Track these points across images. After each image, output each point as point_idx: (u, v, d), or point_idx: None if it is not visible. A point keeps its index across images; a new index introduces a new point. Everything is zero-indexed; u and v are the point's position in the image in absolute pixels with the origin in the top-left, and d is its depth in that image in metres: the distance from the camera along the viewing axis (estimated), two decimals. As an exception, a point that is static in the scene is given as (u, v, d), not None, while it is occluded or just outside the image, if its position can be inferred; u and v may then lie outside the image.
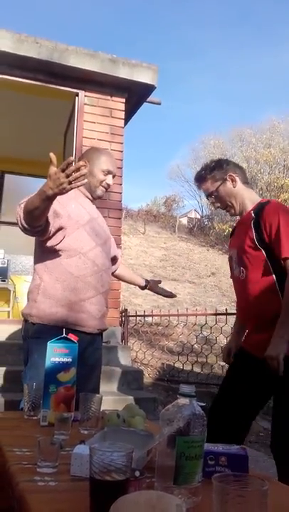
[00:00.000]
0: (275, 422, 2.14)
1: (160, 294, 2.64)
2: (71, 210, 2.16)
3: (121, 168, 5.02)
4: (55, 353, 1.74)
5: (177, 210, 25.22)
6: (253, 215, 2.24)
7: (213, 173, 2.33)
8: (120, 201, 5.00)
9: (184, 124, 67.55)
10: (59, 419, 1.48)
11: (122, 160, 5.03)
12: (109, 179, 2.32)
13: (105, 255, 2.28)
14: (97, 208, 2.40)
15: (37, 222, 1.95)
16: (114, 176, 2.35)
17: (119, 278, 2.71)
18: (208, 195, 2.37)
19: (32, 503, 0.96)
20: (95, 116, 4.99)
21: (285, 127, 25.40)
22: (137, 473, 0.98)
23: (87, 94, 5.02)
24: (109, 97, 5.09)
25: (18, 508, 1.01)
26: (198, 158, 27.79)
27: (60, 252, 2.13)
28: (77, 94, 5.01)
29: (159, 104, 5.80)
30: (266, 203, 2.24)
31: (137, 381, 4.33)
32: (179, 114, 66.61)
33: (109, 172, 2.31)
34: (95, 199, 2.35)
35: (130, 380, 4.34)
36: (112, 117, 5.04)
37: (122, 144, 5.05)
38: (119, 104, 5.13)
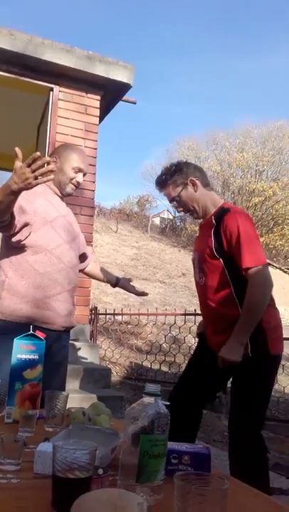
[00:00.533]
0: (230, 415, 2.21)
1: (131, 292, 2.64)
2: (38, 206, 2.13)
3: (94, 165, 5.00)
4: (21, 350, 1.72)
5: (150, 209, 25.29)
6: (213, 221, 2.26)
7: (173, 177, 2.33)
8: (93, 199, 4.98)
9: (159, 125, 67.79)
10: (24, 417, 1.47)
11: (95, 157, 5.02)
12: (79, 177, 2.29)
13: (73, 253, 2.26)
14: (69, 204, 2.39)
15: (1, 217, 1.92)
16: (84, 175, 2.33)
17: (90, 275, 2.69)
18: (171, 200, 2.38)
19: (-7, 500, 0.95)
20: (69, 112, 4.96)
21: (258, 133, 25.84)
22: (100, 471, 0.98)
23: (62, 89, 4.99)
24: (84, 94, 5.07)
25: (-21, 506, 1.00)
26: (172, 159, 27.71)
27: (25, 249, 2.11)
28: (51, 89, 4.97)
29: (135, 103, 5.81)
30: (226, 211, 2.24)
31: (105, 379, 4.32)
32: (154, 115, 66.84)
33: (79, 170, 2.28)
34: (64, 196, 2.33)
35: (98, 378, 4.33)
36: (87, 114, 5.02)
37: (96, 141, 5.04)
38: (94, 101, 5.11)
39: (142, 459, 0.99)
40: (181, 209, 2.37)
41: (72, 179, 2.28)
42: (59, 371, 2.23)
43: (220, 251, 2.17)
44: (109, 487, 0.98)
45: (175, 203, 2.36)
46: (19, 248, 2.11)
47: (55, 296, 2.15)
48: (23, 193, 1.89)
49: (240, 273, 2.14)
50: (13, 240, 2.07)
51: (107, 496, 0.83)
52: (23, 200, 1.96)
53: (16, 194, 1.84)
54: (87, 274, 2.64)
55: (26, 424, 1.45)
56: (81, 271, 2.51)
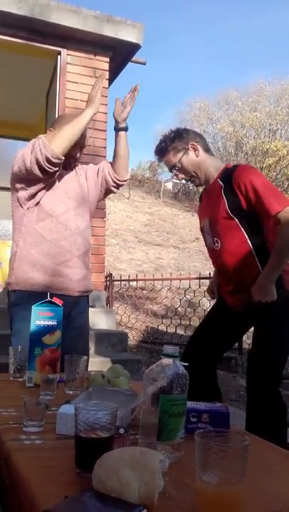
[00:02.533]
0: (249, 362, 2.24)
1: (127, 103, 2.33)
2: None
3: (105, 130, 4.92)
4: (39, 316, 1.75)
5: (162, 174, 24.97)
6: (220, 182, 2.22)
7: (174, 144, 2.28)
8: (104, 164, 4.93)
9: (169, 86, 66.36)
10: (44, 380, 1.50)
11: (106, 122, 4.93)
12: (75, 152, 2.19)
13: (80, 218, 2.22)
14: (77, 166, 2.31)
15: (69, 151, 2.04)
16: (82, 148, 2.24)
17: (120, 164, 2.34)
18: (171, 168, 2.32)
19: (18, 461, 0.99)
20: (78, 76, 4.86)
21: (271, 90, 25.06)
22: (122, 431, 1.00)
23: (70, 52, 4.87)
24: (92, 56, 4.95)
25: (5, 467, 1.03)
26: (183, 121, 27.33)
27: (33, 215, 2.11)
28: (59, 53, 4.85)
29: (144, 64, 5.66)
30: (233, 169, 2.21)
31: (122, 343, 4.39)
32: (164, 75, 65.25)
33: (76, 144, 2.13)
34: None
35: (115, 342, 4.40)
36: (96, 77, 4.87)
37: (106, 105, 4.93)
38: (103, 63, 4.99)
39: (162, 418, 1.01)
40: (182, 176, 2.32)
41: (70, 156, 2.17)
42: (81, 336, 2.25)
43: (236, 210, 2.14)
44: (131, 446, 1.00)
45: (176, 170, 2.30)
46: (27, 216, 2.12)
47: (65, 263, 2.15)
48: None
49: (259, 230, 2.14)
50: (28, 203, 2.10)
51: (129, 455, 0.85)
52: None
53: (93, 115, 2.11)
54: (118, 168, 2.34)
55: (47, 387, 1.49)
56: (120, 181, 2.37)
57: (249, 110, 24.32)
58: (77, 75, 4.86)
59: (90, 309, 4.61)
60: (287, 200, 2.11)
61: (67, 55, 4.86)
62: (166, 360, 1.05)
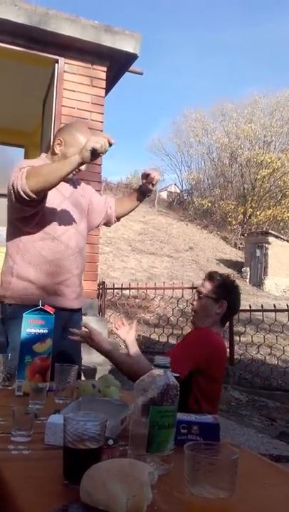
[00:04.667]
0: None
1: (148, 184, 2.26)
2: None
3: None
4: (30, 324, 1.73)
5: (157, 184, 25.10)
6: None
7: None
8: (100, 173, 4.93)
9: (165, 97, 66.71)
10: (34, 389, 1.49)
11: (102, 131, 4.94)
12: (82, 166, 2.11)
13: (79, 236, 2.21)
14: (77, 180, 2.32)
15: (46, 192, 1.93)
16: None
17: (122, 215, 2.44)
18: None
19: (5, 471, 0.97)
20: (75, 85, 4.88)
21: (266, 102, 25.35)
22: (110, 442, 0.99)
23: (68, 61, 4.89)
24: (90, 65, 4.97)
25: (-8, 476, 1.02)
26: (179, 132, 27.59)
27: (33, 234, 2.08)
28: (57, 61, 4.87)
29: (141, 74, 5.69)
30: None
31: (113, 353, 4.36)
32: (160, 86, 65.68)
33: None
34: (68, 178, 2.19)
35: (106, 351, 4.37)
36: (93, 86, 4.93)
37: (102, 114, 4.96)
38: (100, 72, 5.01)
39: (152, 429, 1.00)
40: None
41: None
42: (76, 349, 2.24)
43: None
44: (120, 457, 0.99)
45: None
46: (26, 233, 2.08)
47: (64, 282, 2.14)
48: None
49: None
50: (30, 223, 2.04)
51: (118, 466, 0.85)
52: None
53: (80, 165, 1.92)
54: (119, 216, 2.42)
55: (36, 396, 1.48)
56: (117, 219, 2.43)
57: (244, 122, 24.57)
58: (74, 83, 4.88)
59: (82, 317, 4.58)
60: None
61: (65, 63, 4.88)
62: (157, 371, 1.05)
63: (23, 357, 1.70)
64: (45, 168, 1.98)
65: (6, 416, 1.27)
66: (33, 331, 1.73)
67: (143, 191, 2.30)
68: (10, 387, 1.70)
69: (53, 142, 2.18)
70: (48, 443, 1.13)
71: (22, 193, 1.89)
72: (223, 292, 2.01)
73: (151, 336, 6.49)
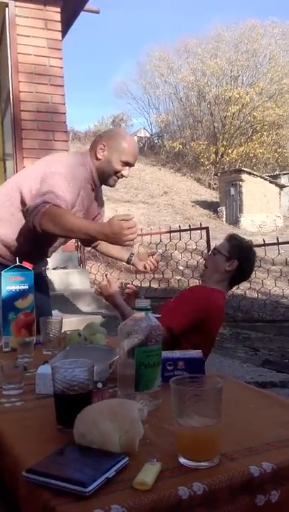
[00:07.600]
0: None
1: (139, 270, 2.41)
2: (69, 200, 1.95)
3: (62, 86, 4.76)
4: (10, 282, 1.73)
5: (126, 129, 24.52)
6: None
7: None
8: (65, 122, 4.78)
9: (126, 36, 64.05)
10: (21, 344, 1.51)
11: (62, 77, 4.76)
12: (125, 171, 2.05)
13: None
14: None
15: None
16: (130, 167, 2.08)
17: (102, 253, 2.47)
18: None
19: (1, 423, 1.00)
20: (29, 29, 4.62)
21: (230, 35, 24.52)
22: (100, 385, 1.02)
23: (18, 4, 4.61)
24: (42, 7, 4.70)
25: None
26: (143, 72, 26.70)
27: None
28: (6, 5, 4.59)
29: (98, 12, 5.44)
30: None
31: (97, 302, 4.42)
32: (120, 25, 62.81)
33: (127, 164, 2.03)
34: (101, 185, 2.15)
35: (90, 301, 4.43)
36: (48, 29, 4.68)
37: (61, 59, 4.75)
38: (54, 14, 4.75)
39: (139, 369, 1.03)
40: None
41: (117, 172, 2.03)
42: (46, 299, 2.26)
43: None
44: (110, 398, 1.02)
45: None
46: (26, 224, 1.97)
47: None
48: (71, 182, 1.90)
49: None
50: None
51: (108, 406, 0.87)
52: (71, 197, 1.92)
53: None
54: (99, 251, 2.43)
55: (24, 350, 1.50)
56: (94, 248, 2.39)
57: (209, 57, 23.82)
58: (27, 27, 4.62)
59: (63, 270, 4.60)
60: None
61: (16, 6, 4.60)
62: (138, 314, 1.07)
63: (7, 314, 1.71)
64: (65, 221, 1.81)
65: (-5, 372, 1.29)
66: (13, 287, 1.73)
67: (135, 264, 2.37)
68: (-3, 345, 1.72)
69: (95, 146, 2.04)
70: (40, 393, 1.16)
71: (31, 224, 1.82)
72: (237, 252, 2.04)
73: (134, 283, 6.56)
